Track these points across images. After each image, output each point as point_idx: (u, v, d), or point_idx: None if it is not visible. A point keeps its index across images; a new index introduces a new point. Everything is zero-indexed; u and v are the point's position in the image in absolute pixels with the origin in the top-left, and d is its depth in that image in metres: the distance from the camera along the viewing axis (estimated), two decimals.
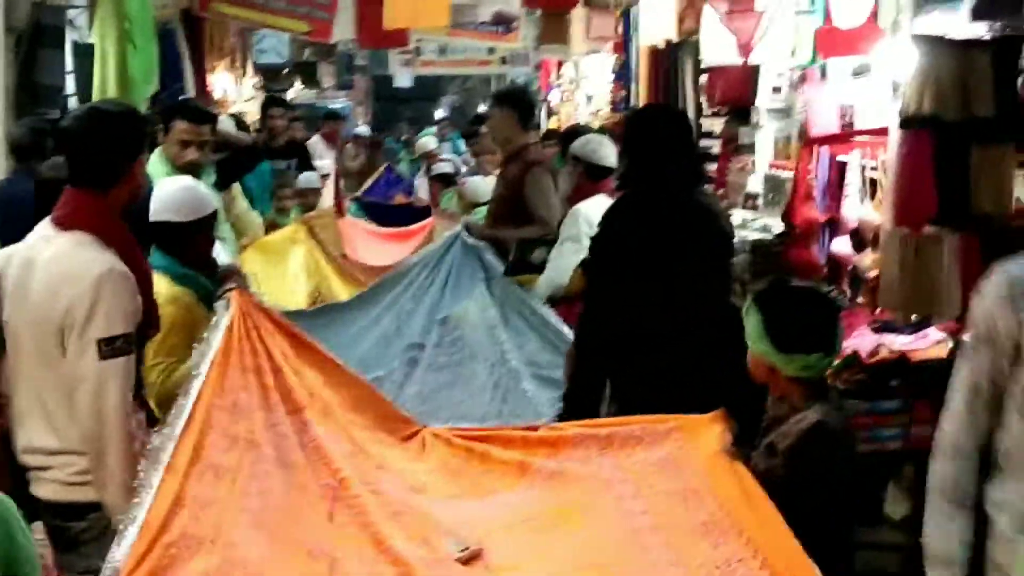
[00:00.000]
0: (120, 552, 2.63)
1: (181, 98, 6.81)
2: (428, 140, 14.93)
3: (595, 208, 6.36)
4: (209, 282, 4.59)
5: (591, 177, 6.62)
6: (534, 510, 3.92)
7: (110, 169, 3.79)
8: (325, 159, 11.83)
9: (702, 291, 4.88)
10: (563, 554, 3.64)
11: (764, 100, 8.59)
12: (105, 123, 3.83)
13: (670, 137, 5.03)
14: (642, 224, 4.87)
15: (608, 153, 6.64)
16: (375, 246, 9.69)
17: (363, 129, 20.01)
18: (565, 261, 6.33)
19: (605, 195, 6.54)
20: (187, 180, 4.99)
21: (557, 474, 4.02)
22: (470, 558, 3.62)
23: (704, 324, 4.80)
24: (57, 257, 3.74)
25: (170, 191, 4.74)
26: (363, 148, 15.54)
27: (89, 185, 3.79)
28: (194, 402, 3.47)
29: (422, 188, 12.80)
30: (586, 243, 6.12)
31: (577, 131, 8.35)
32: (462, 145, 16.77)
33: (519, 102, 7.47)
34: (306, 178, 10.02)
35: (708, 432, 3.67)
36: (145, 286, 3.89)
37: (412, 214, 10.83)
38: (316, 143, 12.42)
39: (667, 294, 4.78)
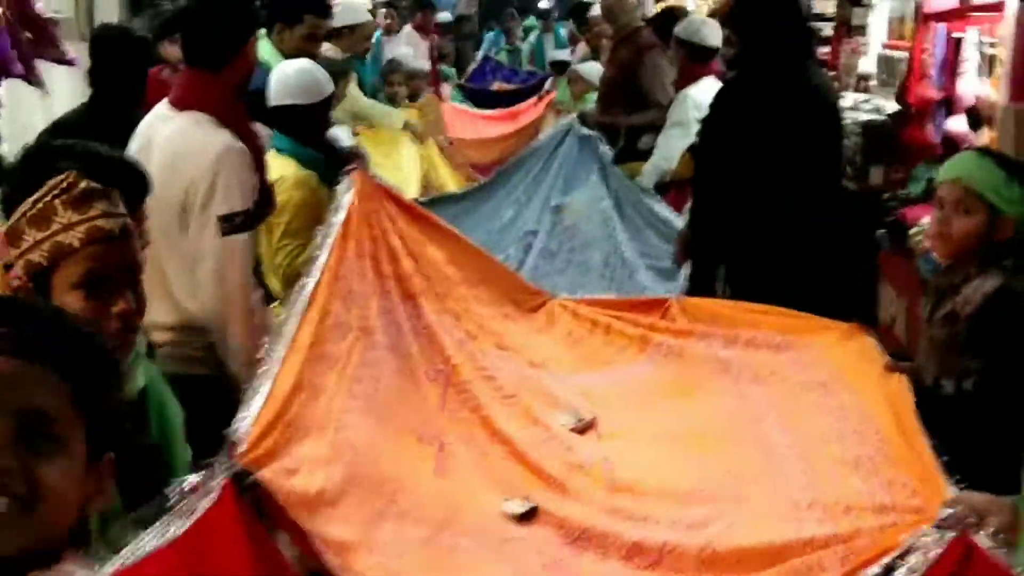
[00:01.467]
0: (245, 422, 2.60)
1: None
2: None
3: (704, 91, 6.30)
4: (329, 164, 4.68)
5: (695, 59, 6.55)
6: (649, 384, 4.01)
7: (223, 49, 3.86)
8: (420, 49, 11.78)
9: (814, 173, 4.85)
10: (671, 424, 3.71)
11: None
12: (218, 4, 3.90)
13: (780, 15, 4.96)
14: (753, 106, 4.84)
15: (711, 33, 6.55)
16: (482, 127, 9.75)
17: (444, 15, 19.86)
18: (673, 146, 6.30)
19: (713, 77, 6.48)
20: (305, 62, 5.03)
21: (676, 353, 4.08)
22: (584, 428, 3.70)
23: (817, 207, 4.79)
24: (175, 136, 3.83)
25: (291, 74, 4.82)
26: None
27: (204, 65, 3.88)
28: (314, 286, 3.53)
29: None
30: (695, 128, 6.10)
31: (670, 13, 8.21)
32: (565, 36, 16.57)
33: None
34: (414, 64, 10.02)
35: (846, 342, 3.70)
36: (260, 164, 3.98)
37: (512, 100, 10.84)
38: (409, 33, 12.36)
39: (779, 177, 4.75)
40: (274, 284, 4.61)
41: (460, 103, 11.48)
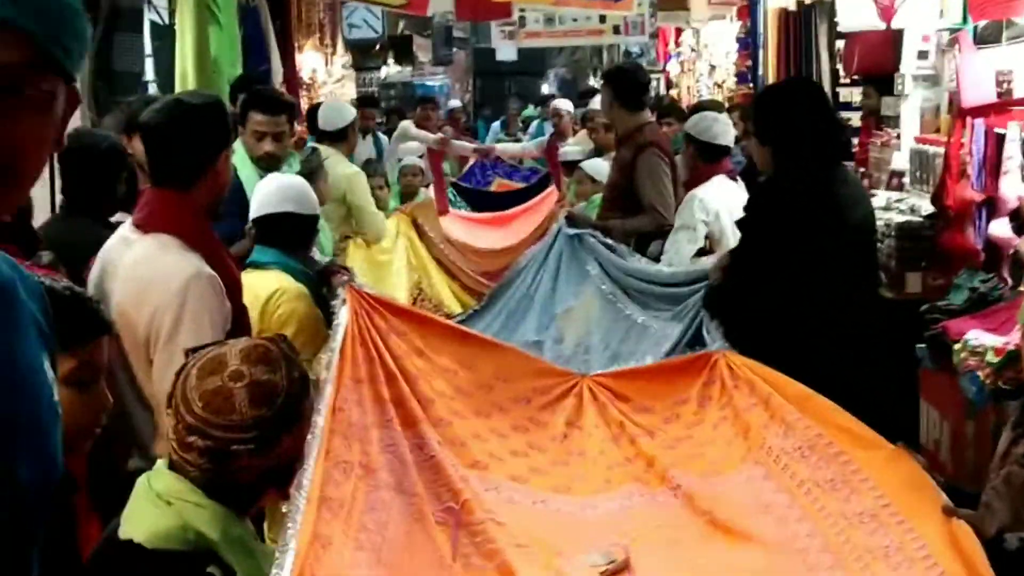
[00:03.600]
0: None
1: (256, 88, 6.80)
2: (561, 102, 14.46)
3: (713, 192, 6.32)
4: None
5: (705, 158, 6.55)
6: (682, 519, 3.94)
7: (194, 167, 3.82)
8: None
9: (852, 283, 4.83)
10: (715, 570, 3.64)
11: (909, 67, 8.45)
12: (188, 117, 3.86)
13: (806, 116, 4.95)
14: (785, 214, 4.81)
15: (722, 131, 6.56)
16: (481, 235, 9.72)
17: (456, 102, 19.96)
18: (681, 250, 6.26)
19: (724, 176, 6.47)
20: (298, 177, 5.17)
21: (710, 495, 4.02)
22: (617, 571, 3.64)
23: (855, 317, 4.76)
24: (139, 262, 3.78)
25: (288, 184, 4.95)
26: (459, 128, 15.50)
27: (171, 184, 3.83)
28: (324, 424, 3.52)
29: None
30: (702, 231, 6.12)
31: (700, 108, 8.24)
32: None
33: (622, 81, 7.38)
34: (408, 159, 10.05)
35: (891, 466, 3.64)
36: (234, 290, 3.92)
37: (515, 201, 10.80)
38: (409, 128, 12.38)
39: (816, 287, 4.72)
40: None
41: (453, 203, 11.48)
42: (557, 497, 4.11)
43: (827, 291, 4.74)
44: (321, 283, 4.74)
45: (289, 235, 4.81)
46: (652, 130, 7.40)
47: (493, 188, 12.00)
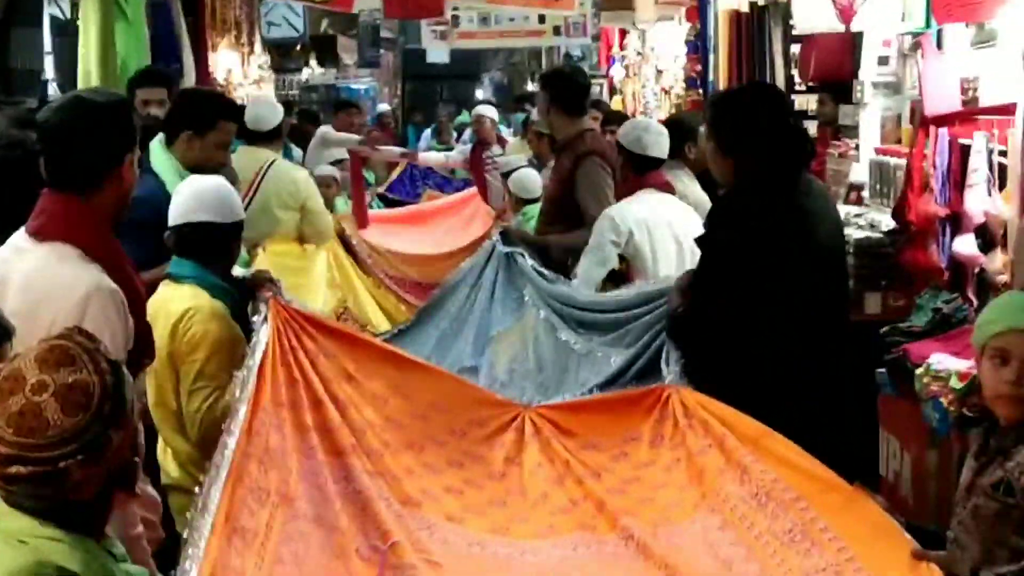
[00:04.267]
0: None
1: (225, 96, 6.70)
2: (485, 108, 14.53)
3: (631, 209, 6.31)
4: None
5: (636, 169, 6.53)
6: (635, 571, 3.92)
7: (95, 170, 3.79)
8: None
9: (818, 303, 4.83)
10: None
11: (868, 73, 8.51)
12: (90, 116, 3.82)
13: (765, 123, 4.94)
14: (750, 231, 4.80)
15: (654, 140, 6.53)
16: (399, 234, 9.74)
17: (384, 107, 19.86)
18: (589, 273, 6.26)
19: (651, 190, 6.46)
20: (219, 179, 5.01)
21: (665, 546, 4.01)
22: None
23: (825, 339, 4.77)
24: (34, 274, 3.74)
25: (207, 188, 4.81)
26: (389, 135, 15.42)
27: (70, 189, 3.79)
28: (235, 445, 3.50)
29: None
30: (611, 251, 6.14)
31: (678, 121, 8.10)
32: (505, 130, 16.64)
33: (560, 85, 7.39)
34: (321, 170, 10.02)
35: (849, 511, 3.67)
36: (137, 305, 3.88)
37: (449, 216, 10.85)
38: (328, 132, 12.31)
39: (778, 307, 4.72)
40: (179, 441, 4.57)
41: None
42: (495, 539, 4.10)
43: (790, 313, 4.73)
44: (246, 297, 4.67)
45: (207, 246, 4.70)
46: (594, 137, 7.40)
47: (423, 200, 12.01)
